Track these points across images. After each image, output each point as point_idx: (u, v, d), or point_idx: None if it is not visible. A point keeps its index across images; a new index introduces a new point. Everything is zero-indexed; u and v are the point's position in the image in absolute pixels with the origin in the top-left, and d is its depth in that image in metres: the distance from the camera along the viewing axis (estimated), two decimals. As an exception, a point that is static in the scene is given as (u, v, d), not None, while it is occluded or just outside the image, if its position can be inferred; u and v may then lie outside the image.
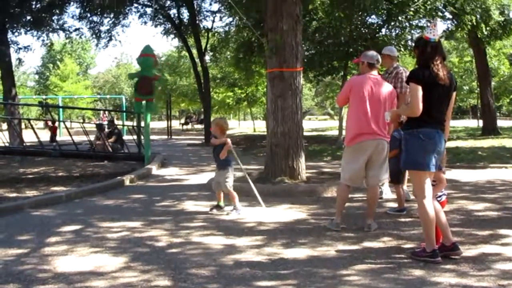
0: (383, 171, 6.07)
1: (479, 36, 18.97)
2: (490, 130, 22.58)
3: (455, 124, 34.80)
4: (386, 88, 6.00)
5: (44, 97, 45.28)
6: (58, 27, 22.84)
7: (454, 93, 4.80)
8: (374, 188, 6.04)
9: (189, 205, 7.72)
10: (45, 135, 16.88)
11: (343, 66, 18.79)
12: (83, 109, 44.06)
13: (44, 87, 62.14)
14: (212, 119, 22.76)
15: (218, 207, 7.18)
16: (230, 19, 21.44)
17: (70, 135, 13.60)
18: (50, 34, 23.30)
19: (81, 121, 31.23)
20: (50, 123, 24.59)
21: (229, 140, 7.05)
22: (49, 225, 6.32)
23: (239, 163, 7.54)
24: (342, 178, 6.07)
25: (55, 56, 66.74)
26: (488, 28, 17.15)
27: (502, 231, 5.62)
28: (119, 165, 13.68)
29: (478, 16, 15.67)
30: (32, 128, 14.37)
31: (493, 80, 29.13)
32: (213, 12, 24.19)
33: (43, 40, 23.00)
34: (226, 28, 23.49)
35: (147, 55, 12.71)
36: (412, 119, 4.65)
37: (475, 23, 15.62)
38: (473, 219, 6.37)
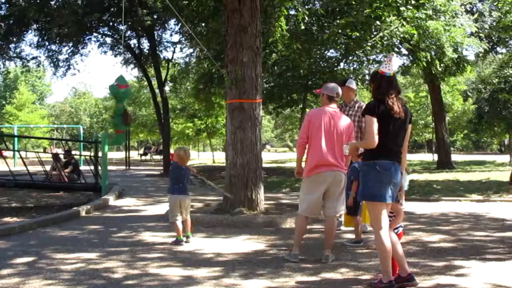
0: (341, 203, 6.12)
1: (433, 72, 19.49)
2: (444, 164, 23.06)
3: (410, 157, 35.43)
4: (344, 121, 6.09)
5: (-2, 126, 44.34)
6: (15, 55, 22.59)
7: (410, 126, 4.91)
8: (332, 220, 6.08)
9: (147, 236, 7.62)
10: (-1, 165, 16.57)
11: (302, 98, 18.99)
12: (38, 138, 43.18)
13: (-1, 116, 61.03)
14: (172, 150, 22.69)
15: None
16: (191, 50, 21.56)
17: (25, 165, 13.32)
18: (7, 62, 23.01)
19: (38, 151, 30.54)
20: None
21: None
22: (1, 257, 6.12)
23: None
24: (300, 209, 6.10)
25: (11, 84, 65.75)
26: (442, 65, 17.61)
27: (457, 262, 5.72)
28: (75, 196, 13.41)
29: (432, 53, 16.08)
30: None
31: (447, 115, 29.86)
32: (174, 43, 24.27)
33: (-1, 68, 22.67)
34: (187, 59, 23.58)
35: (126, 86, 12.39)
36: (369, 151, 4.74)
37: (429, 60, 16.02)
38: (429, 250, 6.46)
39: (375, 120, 4.64)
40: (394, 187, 4.73)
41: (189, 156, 7.44)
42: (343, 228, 7.79)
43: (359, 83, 16.40)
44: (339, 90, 6.26)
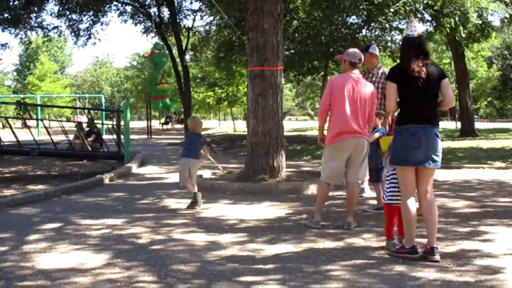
0: (363, 170, 6.10)
1: (457, 38, 19.17)
2: (467, 132, 22.82)
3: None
4: (367, 87, 6.01)
5: (22, 96, 44.70)
6: (36, 24, 22.67)
7: (445, 81, 4.71)
8: (354, 186, 6.07)
9: (170, 203, 7.71)
10: (23, 135, 16.71)
11: (324, 66, 18.87)
12: (61, 107, 43.60)
13: (22, 86, 61.52)
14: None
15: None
16: (211, 18, 21.45)
17: (49, 134, 13.47)
18: (28, 32, 23.10)
19: (61, 120, 30.89)
20: None
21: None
22: (28, 223, 6.26)
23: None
24: (322, 176, 6.09)
25: (33, 55, 66.12)
26: (466, 31, 17.31)
27: (481, 228, 5.70)
28: (98, 164, 13.59)
29: (456, 19, 15.81)
30: (10, 127, 14.18)
31: (471, 82, 29.46)
32: (194, 11, 24.13)
33: (21, 38, 22.80)
34: (207, 27, 23.49)
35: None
36: (399, 116, 4.78)
37: (453, 26, 15.75)
38: (452, 216, 6.45)
39: (394, 85, 4.67)
40: (426, 150, 4.61)
41: (201, 124, 7.83)
42: (365, 195, 7.80)
43: (381, 50, 16.22)
44: (362, 56, 6.18)
